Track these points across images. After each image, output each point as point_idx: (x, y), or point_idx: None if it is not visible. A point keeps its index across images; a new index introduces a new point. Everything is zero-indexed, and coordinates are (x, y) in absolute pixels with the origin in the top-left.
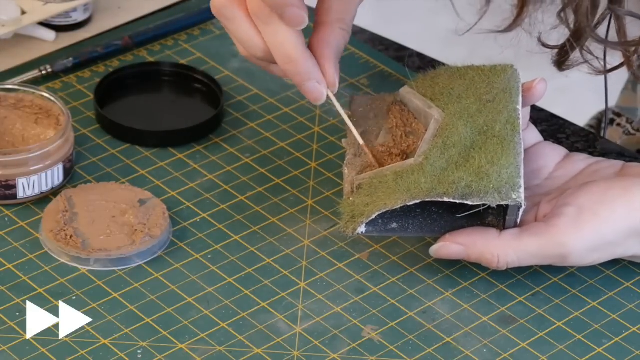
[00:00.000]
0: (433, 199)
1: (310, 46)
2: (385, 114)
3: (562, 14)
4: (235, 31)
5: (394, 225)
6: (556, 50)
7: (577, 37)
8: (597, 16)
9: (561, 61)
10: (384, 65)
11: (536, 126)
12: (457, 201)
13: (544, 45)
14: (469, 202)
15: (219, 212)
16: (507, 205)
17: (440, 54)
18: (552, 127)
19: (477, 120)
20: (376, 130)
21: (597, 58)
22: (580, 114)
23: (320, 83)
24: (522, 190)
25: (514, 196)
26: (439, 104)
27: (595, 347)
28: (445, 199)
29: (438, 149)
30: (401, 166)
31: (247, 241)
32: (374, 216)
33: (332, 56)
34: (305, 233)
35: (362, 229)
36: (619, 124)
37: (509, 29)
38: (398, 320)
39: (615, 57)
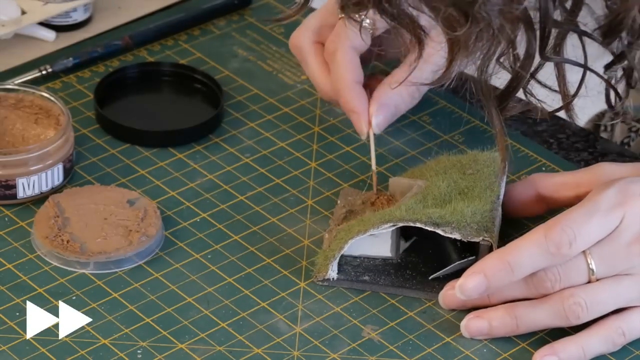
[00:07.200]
0: (406, 224)
1: (373, 84)
2: (372, 201)
3: (502, 60)
4: (307, 68)
5: (366, 277)
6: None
7: (516, 84)
8: (536, 63)
9: (501, 107)
10: (383, 66)
11: (536, 126)
12: (429, 228)
13: (488, 90)
14: (441, 231)
15: (219, 212)
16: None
17: None
18: (552, 127)
19: (459, 184)
20: (360, 213)
21: (540, 101)
22: (580, 114)
23: (361, 118)
24: (495, 236)
25: (486, 235)
26: (426, 179)
27: None
28: (418, 225)
29: (417, 200)
30: (379, 212)
31: (247, 241)
32: (346, 247)
33: (375, 102)
34: (305, 233)
35: (334, 274)
36: (623, 121)
37: (437, 81)
38: (398, 320)
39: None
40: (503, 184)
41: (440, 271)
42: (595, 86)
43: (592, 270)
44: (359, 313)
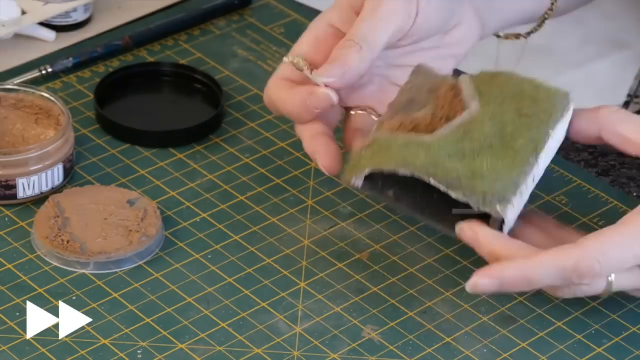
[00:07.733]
0: (420, 176)
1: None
2: (439, 94)
3: None
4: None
5: (390, 192)
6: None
7: None
8: None
9: None
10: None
11: None
12: (442, 188)
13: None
14: (452, 194)
15: (219, 212)
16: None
17: None
18: None
19: (506, 127)
20: (422, 102)
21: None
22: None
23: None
24: (509, 207)
25: (497, 208)
26: (482, 100)
27: (595, 347)
28: (431, 181)
29: (455, 137)
30: (415, 137)
31: (247, 241)
32: (366, 172)
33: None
34: (305, 233)
35: (358, 182)
36: (637, 102)
37: None
38: (398, 320)
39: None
40: (557, 134)
41: (464, 209)
42: (599, 80)
43: (611, 283)
44: (359, 313)
